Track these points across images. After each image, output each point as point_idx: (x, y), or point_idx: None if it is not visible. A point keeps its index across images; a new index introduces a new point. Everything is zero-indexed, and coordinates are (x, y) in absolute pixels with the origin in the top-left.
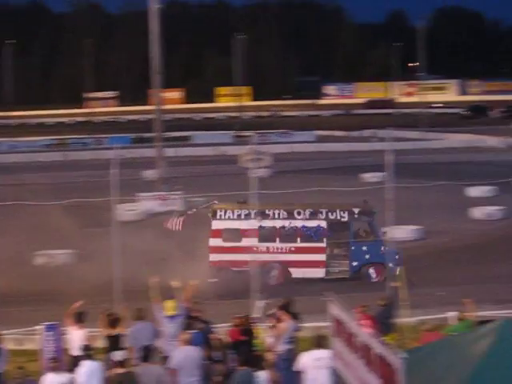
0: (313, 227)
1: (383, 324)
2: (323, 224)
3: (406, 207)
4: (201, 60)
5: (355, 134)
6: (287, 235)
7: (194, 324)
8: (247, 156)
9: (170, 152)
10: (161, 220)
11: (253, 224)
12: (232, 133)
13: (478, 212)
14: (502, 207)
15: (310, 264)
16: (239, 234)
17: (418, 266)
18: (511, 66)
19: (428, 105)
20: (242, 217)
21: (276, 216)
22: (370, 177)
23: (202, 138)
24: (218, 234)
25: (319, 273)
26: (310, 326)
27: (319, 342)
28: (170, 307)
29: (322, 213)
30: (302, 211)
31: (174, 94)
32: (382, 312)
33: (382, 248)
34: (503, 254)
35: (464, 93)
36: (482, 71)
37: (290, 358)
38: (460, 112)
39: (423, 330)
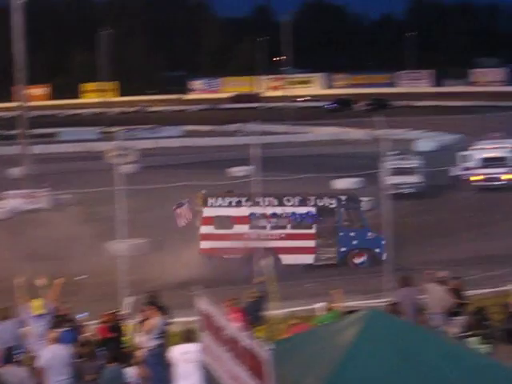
0: (303, 214)
1: (253, 317)
2: (313, 210)
3: None
4: (67, 56)
5: (222, 128)
6: (277, 222)
7: (62, 322)
8: (113, 152)
9: (37, 149)
10: (29, 218)
11: (244, 211)
12: (99, 129)
13: None
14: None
15: (300, 250)
16: (230, 221)
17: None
18: (376, 59)
19: (294, 98)
20: (233, 204)
21: (266, 203)
22: (236, 171)
23: (68, 134)
24: (209, 221)
25: (309, 259)
26: (182, 320)
27: (188, 335)
28: (36, 306)
29: (310, 200)
30: (291, 198)
31: (39, 90)
32: (252, 305)
33: (369, 234)
34: None
35: (329, 86)
36: (347, 65)
37: (159, 353)
38: (325, 106)
39: (292, 322)
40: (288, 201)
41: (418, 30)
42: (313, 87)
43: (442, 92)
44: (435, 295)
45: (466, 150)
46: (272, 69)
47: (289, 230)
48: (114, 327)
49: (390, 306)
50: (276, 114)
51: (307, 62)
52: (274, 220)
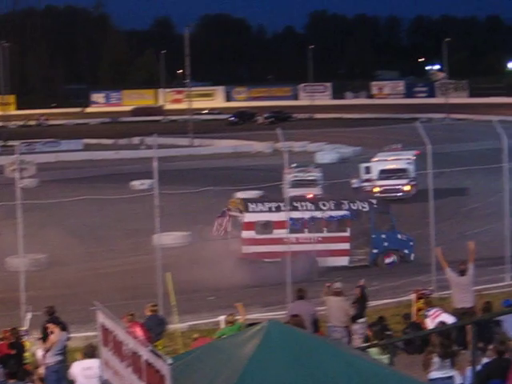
0: (339, 217)
1: (153, 331)
2: (348, 214)
3: (175, 213)
4: None
5: (123, 141)
6: (315, 226)
7: None
8: (11, 166)
9: None
10: None
11: (283, 216)
12: None
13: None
14: None
15: (336, 253)
16: (271, 226)
17: (188, 272)
18: (276, 72)
19: (196, 111)
20: (273, 209)
21: (304, 207)
22: (138, 184)
23: None
24: (250, 226)
25: (344, 261)
26: (83, 335)
27: (89, 351)
28: None
29: (344, 203)
30: (326, 202)
31: None
32: (152, 319)
33: (399, 236)
34: None
35: (230, 99)
36: (248, 78)
37: (60, 369)
38: (227, 118)
39: (194, 335)
40: (324, 205)
41: (319, 42)
42: (214, 100)
43: (342, 104)
44: (333, 307)
45: (367, 161)
46: (174, 82)
47: (325, 234)
48: (14, 344)
49: (291, 318)
50: (178, 126)
51: (209, 74)
52: (311, 224)
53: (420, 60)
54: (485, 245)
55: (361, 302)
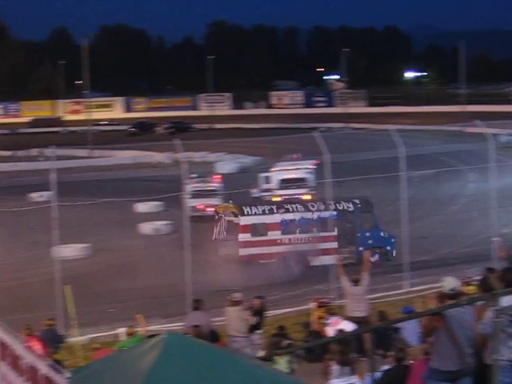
0: (327, 217)
1: (51, 344)
2: (335, 214)
3: (75, 225)
4: None
5: (22, 153)
6: (305, 226)
7: None
8: None
9: None
10: None
11: (276, 218)
12: None
13: (147, 227)
14: (169, 222)
15: (325, 252)
16: (265, 228)
17: (87, 284)
18: (176, 83)
19: (95, 122)
20: (266, 212)
21: (295, 209)
22: (37, 196)
23: None
24: (246, 229)
25: (332, 259)
26: None
27: None
28: None
29: (331, 204)
30: (314, 203)
31: None
32: (48, 333)
33: (382, 233)
34: (172, 267)
35: (130, 110)
36: (147, 88)
37: None
38: (127, 129)
39: (94, 348)
40: (312, 206)
41: (218, 53)
42: (114, 111)
43: (242, 114)
44: (232, 317)
45: (267, 171)
46: (73, 92)
47: (315, 234)
48: None
49: (191, 329)
50: (78, 138)
51: (108, 85)
52: (303, 225)
53: (319, 70)
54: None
55: (259, 313)
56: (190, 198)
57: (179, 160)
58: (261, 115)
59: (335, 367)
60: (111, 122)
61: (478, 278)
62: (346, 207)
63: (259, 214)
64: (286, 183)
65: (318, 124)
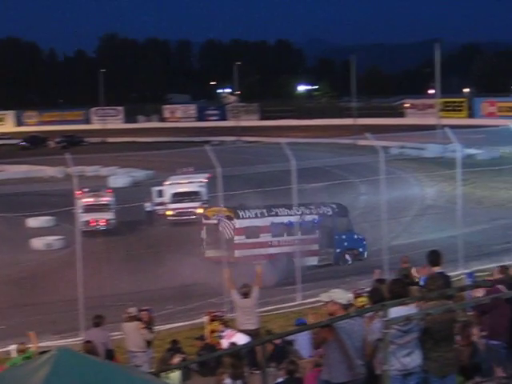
0: (310, 221)
1: None
2: (316, 218)
3: None
4: None
5: None
6: (291, 229)
7: None
8: None
9: None
10: None
11: (266, 221)
12: None
13: (39, 242)
14: (61, 237)
15: (309, 253)
16: (258, 230)
17: None
18: (68, 96)
19: None
20: (258, 215)
21: (283, 213)
22: None
23: None
24: (241, 231)
25: (314, 260)
26: None
27: None
28: None
29: (313, 208)
30: (298, 208)
31: None
32: None
33: (355, 236)
34: (63, 282)
35: (21, 124)
36: (39, 102)
37: None
38: (18, 143)
39: None
40: (297, 210)
41: (111, 66)
42: (4, 125)
43: (135, 128)
44: (129, 332)
45: (159, 185)
46: None
47: (300, 236)
48: None
49: (84, 345)
50: None
51: None
52: (289, 228)
53: (211, 83)
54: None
55: (147, 326)
56: (82, 212)
57: (71, 174)
58: (154, 129)
59: (227, 380)
60: (2, 136)
61: (369, 289)
62: (325, 211)
63: (252, 218)
64: (178, 197)
65: (210, 137)
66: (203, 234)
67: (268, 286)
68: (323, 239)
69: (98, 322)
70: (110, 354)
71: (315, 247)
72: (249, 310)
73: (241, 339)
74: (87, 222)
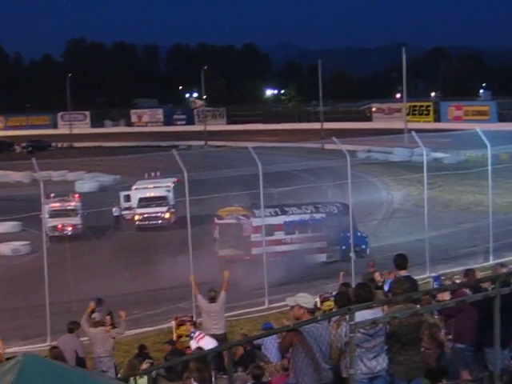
0: (318, 219)
1: None
2: (324, 216)
3: None
4: None
5: None
6: (302, 227)
7: None
8: None
9: None
10: None
11: (280, 219)
12: None
13: (5, 248)
14: (28, 242)
15: (318, 250)
16: (272, 229)
17: None
18: (34, 101)
19: None
20: (273, 214)
21: (295, 212)
22: None
23: None
24: (258, 230)
25: (323, 257)
26: None
27: None
28: None
29: (320, 207)
30: (308, 206)
31: None
32: None
33: (359, 234)
34: (31, 288)
35: None
36: (5, 106)
37: None
38: None
39: None
40: (306, 209)
41: (78, 71)
42: None
43: (102, 133)
44: (95, 338)
45: (127, 189)
46: None
47: (310, 234)
48: None
49: (51, 351)
50: None
51: None
52: (301, 226)
53: (179, 88)
54: (247, 269)
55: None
56: (49, 217)
57: (38, 179)
58: (121, 133)
59: None
60: None
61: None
62: (331, 210)
63: (267, 216)
64: (145, 201)
65: (178, 142)
66: (216, 234)
67: (282, 282)
68: (330, 237)
69: (72, 327)
70: (80, 362)
71: (324, 244)
72: (215, 314)
73: (208, 343)
74: (54, 228)
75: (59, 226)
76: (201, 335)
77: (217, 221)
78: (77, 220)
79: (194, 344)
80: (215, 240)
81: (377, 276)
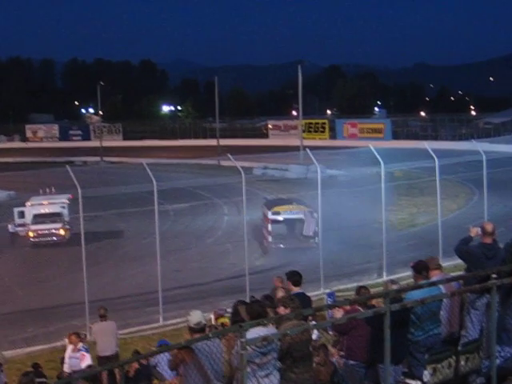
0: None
1: None
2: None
3: None
4: None
5: None
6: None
7: None
8: None
9: None
10: None
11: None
12: None
13: None
14: None
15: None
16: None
17: None
18: None
19: None
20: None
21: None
22: None
23: None
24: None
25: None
26: None
27: None
28: None
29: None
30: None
31: None
32: None
33: None
34: None
35: None
36: None
37: None
38: None
39: None
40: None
41: None
42: None
43: None
44: None
45: (21, 206)
46: None
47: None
48: None
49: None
50: None
51: None
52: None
53: (75, 103)
54: (139, 286)
55: None
56: None
57: None
58: (15, 149)
59: None
60: None
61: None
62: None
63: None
64: (40, 218)
65: (74, 158)
66: (270, 228)
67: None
68: None
69: None
70: None
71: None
72: (107, 332)
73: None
74: None
75: None
76: (84, 356)
77: (271, 216)
78: None
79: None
80: (270, 233)
81: (279, 292)
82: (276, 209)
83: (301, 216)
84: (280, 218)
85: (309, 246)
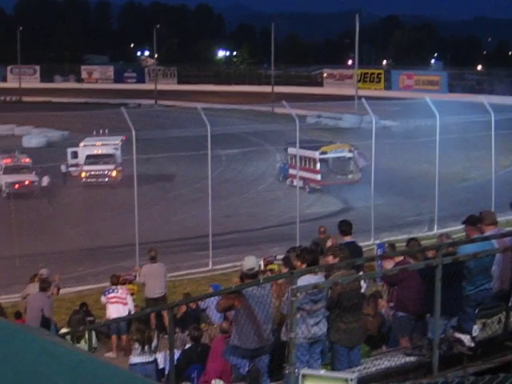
0: None
1: None
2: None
3: None
4: None
5: None
6: None
7: None
8: None
9: None
10: None
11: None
12: None
13: None
14: None
15: None
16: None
17: None
18: None
19: None
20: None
21: None
22: None
23: None
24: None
25: None
26: None
27: None
28: None
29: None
30: None
31: None
32: None
33: None
34: None
35: None
36: None
37: None
38: None
39: None
40: None
41: (28, 24)
42: None
43: (51, 88)
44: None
45: (74, 146)
46: None
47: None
48: None
49: None
50: None
51: None
52: None
53: (130, 46)
54: (190, 230)
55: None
56: (2, 174)
57: None
58: (70, 89)
59: (136, 345)
60: None
61: (281, 256)
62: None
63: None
64: (92, 159)
65: (128, 100)
66: (318, 166)
67: None
68: None
69: (44, 286)
70: (46, 322)
71: None
72: (156, 274)
73: (112, 312)
74: (11, 184)
75: (17, 184)
76: (113, 299)
77: (319, 156)
78: (32, 176)
79: (104, 300)
80: (318, 172)
81: (328, 242)
82: (324, 149)
83: (348, 154)
84: (329, 156)
85: (358, 180)
